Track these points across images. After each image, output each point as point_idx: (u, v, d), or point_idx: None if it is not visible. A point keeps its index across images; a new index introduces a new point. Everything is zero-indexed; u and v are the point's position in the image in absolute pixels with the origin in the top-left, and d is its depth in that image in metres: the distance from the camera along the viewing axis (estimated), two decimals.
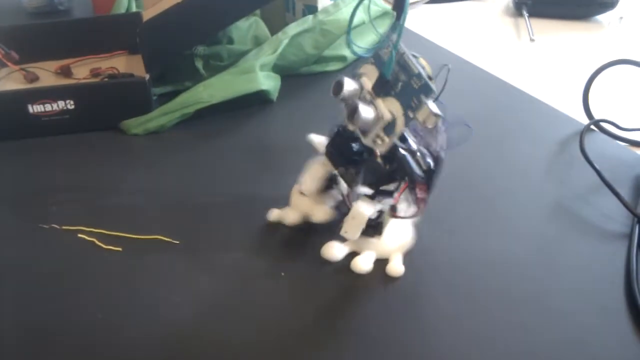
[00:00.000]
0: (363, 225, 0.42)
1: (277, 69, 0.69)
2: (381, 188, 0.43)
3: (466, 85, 0.72)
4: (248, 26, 0.72)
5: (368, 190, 0.43)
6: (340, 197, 0.46)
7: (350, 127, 0.41)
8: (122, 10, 0.83)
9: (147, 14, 0.73)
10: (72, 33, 0.77)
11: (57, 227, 0.48)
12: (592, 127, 0.59)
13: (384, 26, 0.82)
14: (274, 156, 0.59)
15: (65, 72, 0.73)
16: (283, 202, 0.49)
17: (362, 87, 0.41)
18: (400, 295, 0.42)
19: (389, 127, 0.39)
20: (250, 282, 0.43)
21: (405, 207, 0.43)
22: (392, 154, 0.40)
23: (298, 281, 0.43)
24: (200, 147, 0.60)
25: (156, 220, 0.49)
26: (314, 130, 0.56)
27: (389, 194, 0.43)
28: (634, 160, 0.57)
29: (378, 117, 0.40)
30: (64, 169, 0.57)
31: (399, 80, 0.40)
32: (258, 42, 0.72)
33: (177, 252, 0.46)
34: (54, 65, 0.74)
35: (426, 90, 0.38)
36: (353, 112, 0.39)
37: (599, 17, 0.96)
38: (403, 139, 0.40)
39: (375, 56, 0.42)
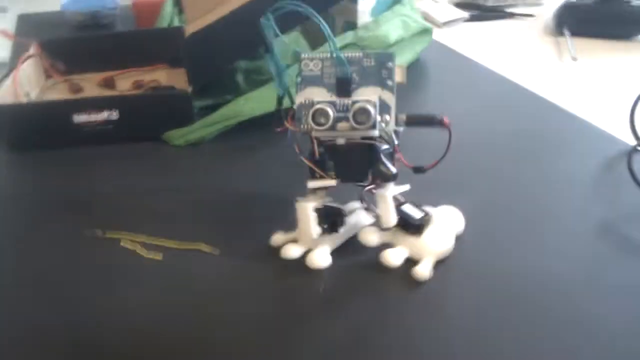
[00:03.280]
0: (393, 208, 0.42)
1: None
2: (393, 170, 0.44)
3: (509, 103, 0.71)
4: (289, 42, 0.72)
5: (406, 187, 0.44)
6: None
7: (341, 141, 0.42)
8: (165, 25, 0.84)
9: (190, 29, 0.74)
10: (116, 46, 0.79)
11: (100, 233, 0.49)
12: (639, 148, 0.58)
13: (422, 43, 0.83)
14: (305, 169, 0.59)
15: (109, 83, 0.74)
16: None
17: (333, 103, 0.42)
18: (420, 301, 0.42)
19: (383, 107, 0.41)
20: (287, 294, 0.43)
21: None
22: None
23: (334, 291, 0.43)
24: (240, 159, 0.61)
25: (196, 229, 0.49)
26: None
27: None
28: None
29: (373, 105, 0.40)
30: (107, 178, 0.58)
31: (347, 73, 0.41)
32: (298, 57, 0.72)
33: (216, 263, 0.46)
34: (97, 77, 0.76)
35: (385, 57, 0.40)
36: (365, 115, 0.40)
37: None
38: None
39: (304, 79, 0.43)
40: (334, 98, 0.42)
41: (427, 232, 0.44)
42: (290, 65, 0.71)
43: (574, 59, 0.83)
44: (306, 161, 0.44)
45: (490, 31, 1.00)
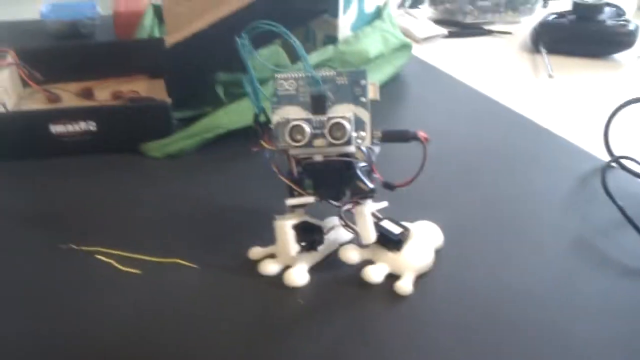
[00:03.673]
0: (372, 224, 0.43)
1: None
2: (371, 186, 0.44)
3: (486, 119, 0.72)
4: (269, 55, 0.72)
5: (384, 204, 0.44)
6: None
7: (318, 157, 0.43)
8: (145, 35, 0.84)
9: (170, 40, 0.74)
10: (95, 56, 0.78)
11: (75, 247, 0.48)
12: (613, 164, 0.59)
13: (402, 59, 0.83)
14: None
15: (87, 94, 0.74)
16: None
17: (308, 120, 0.42)
18: (402, 317, 0.42)
19: (358, 123, 0.41)
20: (268, 309, 0.43)
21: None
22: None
23: (314, 304, 0.43)
24: (220, 171, 0.61)
25: (175, 243, 0.49)
26: None
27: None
28: None
29: (348, 121, 0.41)
30: (84, 190, 0.57)
31: (322, 91, 0.42)
32: (277, 70, 0.72)
33: (196, 276, 0.45)
34: (76, 86, 0.75)
35: (359, 75, 0.41)
36: (336, 130, 0.41)
37: (617, 55, 0.96)
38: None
39: (279, 98, 0.43)
40: (310, 116, 0.42)
41: (407, 247, 0.45)
42: (270, 79, 0.71)
43: (550, 76, 0.85)
44: (284, 179, 0.44)
45: (468, 48, 1.02)
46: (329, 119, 0.41)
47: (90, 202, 0.55)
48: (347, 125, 0.40)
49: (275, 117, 0.43)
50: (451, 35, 1.06)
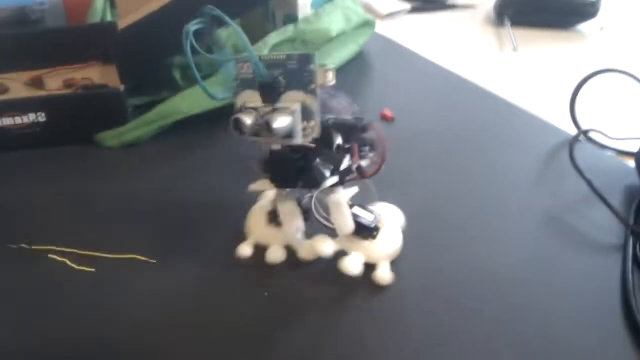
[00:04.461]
0: (348, 212, 0.41)
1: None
2: (341, 169, 0.41)
3: (451, 96, 0.71)
4: (227, 35, 0.70)
5: (335, 179, 0.41)
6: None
7: (276, 146, 0.40)
8: (97, 20, 0.80)
9: (123, 23, 0.71)
10: (44, 43, 0.74)
11: (27, 246, 0.46)
12: (580, 137, 0.58)
13: (364, 36, 0.81)
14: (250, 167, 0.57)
15: (37, 83, 0.70)
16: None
17: (256, 109, 0.39)
18: (387, 306, 0.41)
19: (307, 113, 0.38)
20: (231, 303, 0.41)
21: (367, 163, 0.42)
22: (324, 131, 0.39)
23: (282, 297, 0.41)
24: (178, 159, 0.58)
25: (132, 237, 0.47)
26: None
27: (347, 171, 0.42)
28: (623, 170, 0.55)
29: (291, 113, 0.38)
30: (35, 185, 0.54)
31: (276, 76, 0.38)
32: (237, 52, 0.70)
33: (153, 271, 0.43)
34: (25, 76, 0.71)
35: (307, 59, 0.37)
36: (269, 130, 0.37)
37: (580, 26, 0.96)
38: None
39: (241, 82, 0.41)
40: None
41: (381, 234, 0.43)
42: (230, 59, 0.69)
43: (515, 49, 0.84)
44: (254, 165, 0.42)
45: (432, 23, 1.00)
46: (273, 110, 0.38)
47: (41, 197, 0.53)
48: (276, 125, 0.37)
49: (237, 102, 0.41)
50: (414, 10, 1.04)
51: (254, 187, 0.43)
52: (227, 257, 0.44)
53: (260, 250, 0.45)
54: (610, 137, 0.58)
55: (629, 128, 0.63)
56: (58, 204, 0.52)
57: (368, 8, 1.00)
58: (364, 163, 0.41)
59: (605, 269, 0.44)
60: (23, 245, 0.46)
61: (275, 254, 0.43)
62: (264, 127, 0.37)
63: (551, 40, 0.91)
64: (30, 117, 0.58)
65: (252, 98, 0.40)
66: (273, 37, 0.68)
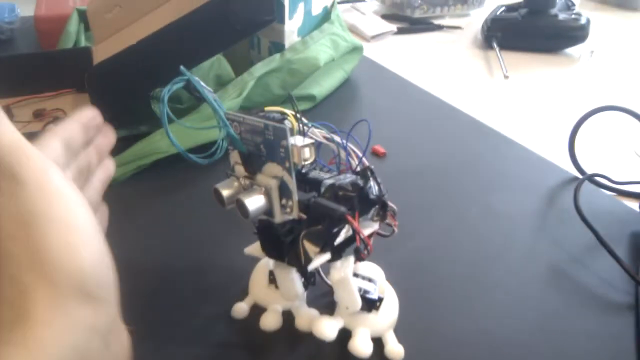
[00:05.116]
0: (355, 288, 0.37)
1: (242, 110, 0.63)
2: (335, 244, 0.37)
3: (444, 129, 0.68)
4: (209, 65, 0.66)
5: (326, 256, 0.37)
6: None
7: (250, 220, 0.36)
8: (70, 44, 0.76)
9: (98, 50, 0.67)
10: (14, 69, 0.70)
11: None
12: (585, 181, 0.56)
13: (352, 62, 0.78)
14: None
15: (5, 113, 0.66)
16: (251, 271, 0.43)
17: (237, 178, 0.36)
18: None
19: (285, 190, 0.34)
20: None
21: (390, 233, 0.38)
22: (307, 209, 0.35)
23: None
24: (158, 203, 0.54)
25: None
26: None
27: (349, 241, 0.37)
28: (627, 214, 0.53)
29: (266, 192, 0.34)
30: None
31: (258, 144, 0.35)
32: (221, 82, 0.66)
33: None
34: None
35: (280, 133, 0.33)
36: (243, 210, 0.34)
37: (569, 50, 0.94)
38: (314, 183, 0.35)
39: (229, 142, 0.37)
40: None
41: (384, 304, 0.39)
42: (215, 90, 0.65)
43: (506, 77, 0.81)
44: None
45: (419, 45, 0.97)
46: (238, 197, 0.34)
47: None
48: (249, 207, 0.34)
49: (231, 161, 0.37)
50: (400, 31, 1.01)
51: (249, 250, 0.40)
52: (212, 329, 0.41)
53: (259, 311, 0.41)
54: (615, 182, 0.55)
55: (631, 168, 0.61)
56: None
57: (354, 30, 0.97)
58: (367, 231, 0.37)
59: (617, 330, 0.41)
60: None
61: (270, 321, 0.40)
62: (237, 205, 0.34)
63: (541, 65, 0.89)
64: None
65: (238, 159, 0.36)
66: (259, 68, 0.64)
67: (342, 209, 0.33)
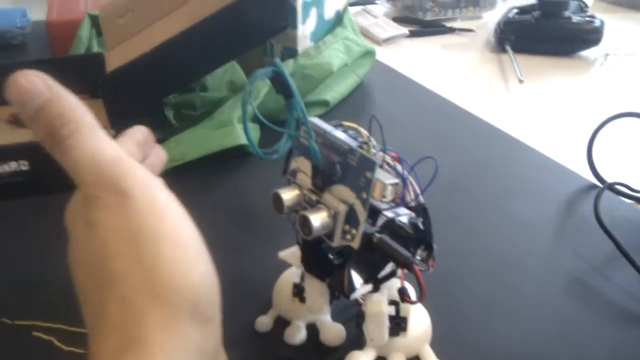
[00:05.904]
0: (387, 323, 0.36)
1: (256, 117, 0.63)
2: (379, 276, 0.37)
3: (459, 135, 0.68)
4: (223, 71, 0.66)
5: (368, 287, 0.37)
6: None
7: (310, 238, 0.35)
8: (82, 50, 0.75)
9: (110, 56, 0.66)
10: None
11: (9, 321, 0.41)
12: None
13: (365, 66, 0.78)
14: (259, 220, 0.53)
15: (19, 120, 0.65)
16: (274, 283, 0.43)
17: (300, 187, 0.36)
18: None
19: (351, 218, 0.33)
20: None
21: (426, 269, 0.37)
22: (369, 242, 0.34)
23: None
24: None
25: None
26: None
27: (391, 275, 0.37)
28: None
29: (333, 215, 0.34)
30: (15, 243, 0.50)
31: (334, 162, 0.34)
32: (234, 89, 0.66)
33: None
34: (5, 111, 0.66)
35: (367, 164, 0.33)
36: (305, 227, 0.33)
37: (584, 53, 0.93)
38: (373, 212, 0.34)
39: (296, 145, 0.36)
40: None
41: (411, 322, 0.38)
42: (226, 97, 0.65)
43: (521, 81, 0.81)
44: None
45: (431, 48, 0.97)
46: (303, 212, 0.34)
47: (23, 258, 0.48)
48: (315, 226, 0.33)
49: (293, 164, 0.37)
50: (412, 34, 1.01)
51: (283, 255, 0.39)
52: (230, 344, 0.40)
53: (283, 323, 0.41)
54: (635, 190, 0.55)
55: None
56: (42, 267, 0.47)
57: (366, 33, 0.97)
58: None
59: (637, 341, 0.41)
60: (5, 320, 0.41)
61: (294, 335, 0.40)
62: (300, 220, 0.33)
63: (556, 69, 0.88)
64: (12, 165, 0.53)
65: (305, 166, 0.36)
66: None
67: (409, 256, 0.32)
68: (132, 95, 0.57)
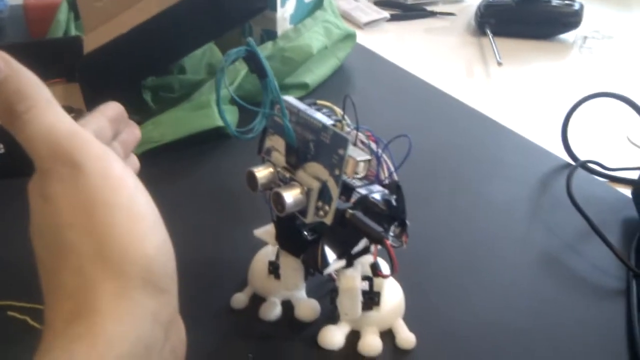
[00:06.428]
0: (360, 298, 0.37)
1: (233, 99, 0.63)
2: (353, 252, 0.37)
3: (437, 116, 0.68)
4: (201, 54, 0.66)
5: (341, 263, 0.37)
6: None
7: (283, 214, 0.35)
8: (60, 33, 0.75)
9: (88, 39, 0.66)
10: None
11: None
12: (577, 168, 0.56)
13: (346, 50, 0.78)
14: (236, 201, 0.53)
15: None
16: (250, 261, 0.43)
17: (274, 165, 0.36)
18: None
19: (324, 194, 0.34)
20: None
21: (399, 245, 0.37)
22: (342, 218, 0.34)
23: None
24: (149, 192, 0.54)
25: None
26: None
27: (364, 251, 0.38)
28: (619, 201, 0.53)
29: (306, 192, 0.34)
30: None
31: (308, 140, 0.35)
32: (212, 71, 0.66)
33: None
34: None
35: (340, 141, 0.33)
36: (279, 204, 0.34)
37: (563, 36, 0.94)
38: (347, 189, 0.34)
39: (271, 124, 0.37)
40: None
41: (384, 296, 0.39)
42: (205, 80, 0.65)
43: (500, 63, 0.81)
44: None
45: (412, 31, 0.97)
46: (276, 189, 0.34)
47: None
48: (288, 202, 0.33)
49: (267, 143, 0.37)
50: (393, 18, 1.01)
51: (258, 233, 0.39)
52: (208, 320, 0.41)
53: (258, 300, 0.41)
54: (607, 168, 0.55)
55: (623, 154, 0.62)
56: (16, 248, 0.47)
57: (347, 17, 0.97)
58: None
59: (609, 316, 0.42)
60: None
61: (269, 310, 0.40)
62: (274, 197, 0.34)
63: (535, 52, 0.89)
64: None
65: (279, 145, 0.36)
66: None
67: (381, 231, 0.33)
68: (108, 78, 0.57)
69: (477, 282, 0.44)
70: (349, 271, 0.37)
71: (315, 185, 0.34)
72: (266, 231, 0.39)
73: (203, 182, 0.55)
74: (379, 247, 0.35)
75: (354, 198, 0.34)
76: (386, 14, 1.00)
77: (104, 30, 0.66)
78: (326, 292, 0.40)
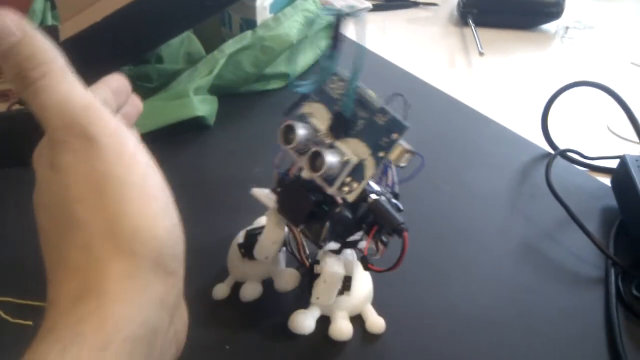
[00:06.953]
0: (339, 287, 0.37)
1: (213, 89, 0.62)
2: (348, 240, 0.37)
3: (418, 106, 0.67)
4: (179, 43, 0.65)
5: (335, 245, 0.37)
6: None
7: (308, 176, 0.35)
8: (36, 23, 0.73)
9: (65, 28, 0.65)
10: None
11: None
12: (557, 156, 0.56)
13: (327, 40, 0.77)
14: (214, 192, 0.52)
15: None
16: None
17: (315, 130, 0.35)
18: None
19: (357, 172, 0.33)
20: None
21: (373, 253, 0.37)
22: (359, 201, 0.34)
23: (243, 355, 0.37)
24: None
25: None
26: (258, 156, 0.50)
27: (355, 243, 0.37)
28: (598, 189, 0.53)
29: (343, 162, 0.34)
30: None
31: (358, 117, 0.34)
32: (191, 60, 0.65)
33: None
34: None
35: (396, 126, 0.33)
36: (315, 159, 0.33)
37: (545, 26, 0.94)
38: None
39: (318, 92, 0.36)
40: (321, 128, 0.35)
41: (355, 282, 0.38)
42: (183, 69, 0.64)
43: (481, 53, 0.81)
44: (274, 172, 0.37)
45: (394, 22, 0.96)
46: (317, 148, 0.33)
47: None
48: (329, 161, 0.32)
49: (304, 109, 0.36)
50: (376, 8, 1.00)
51: (256, 193, 0.38)
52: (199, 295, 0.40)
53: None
54: (586, 157, 0.56)
55: (602, 143, 0.62)
56: None
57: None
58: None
59: (587, 305, 0.42)
60: None
61: (250, 291, 0.40)
62: (312, 154, 0.33)
63: (517, 42, 0.89)
64: None
65: (318, 114, 0.35)
66: (230, 45, 0.63)
67: (403, 221, 0.33)
68: (84, 67, 0.56)
69: (455, 270, 0.44)
70: (336, 257, 0.37)
71: (355, 159, 0.33)
72: (263, 193, 0.38)
73: (182, 173, 0.55)
74: (372, 241, 0.35)
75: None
76: (368, 4, 0.99)
77: (80, 19, 0.65)
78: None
